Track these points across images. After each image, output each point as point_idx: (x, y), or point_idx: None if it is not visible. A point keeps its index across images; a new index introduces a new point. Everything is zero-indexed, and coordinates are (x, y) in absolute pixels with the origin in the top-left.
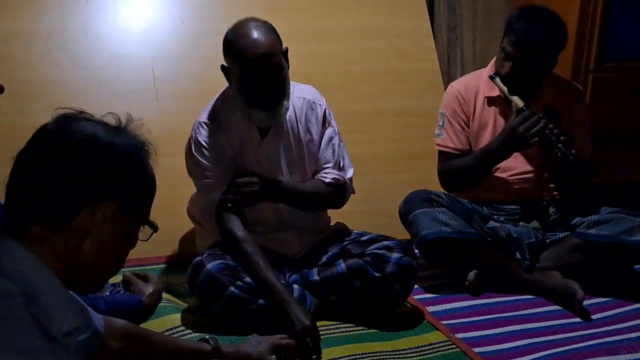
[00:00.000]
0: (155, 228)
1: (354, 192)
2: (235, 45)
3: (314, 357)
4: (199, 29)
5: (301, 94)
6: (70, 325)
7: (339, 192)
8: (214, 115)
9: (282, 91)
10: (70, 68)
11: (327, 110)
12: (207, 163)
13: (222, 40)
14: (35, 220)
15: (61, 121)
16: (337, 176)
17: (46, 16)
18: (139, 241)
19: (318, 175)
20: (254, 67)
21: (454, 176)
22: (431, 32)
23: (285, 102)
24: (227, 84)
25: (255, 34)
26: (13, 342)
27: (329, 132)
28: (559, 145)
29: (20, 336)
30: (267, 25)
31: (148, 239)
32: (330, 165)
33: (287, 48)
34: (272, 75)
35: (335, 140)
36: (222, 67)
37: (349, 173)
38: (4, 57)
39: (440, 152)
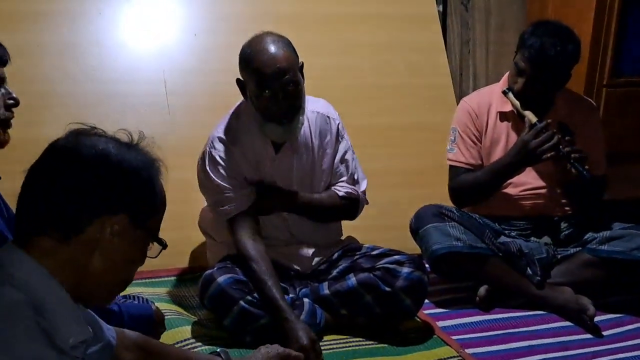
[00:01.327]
0: (164, 245)
1: (367, 203)
2: (252, 60)
3: None
4: (212, 42)
5: (315, 107)
6: (76, 338)
7: (352, 205)
8: (228, 130)
9: (298, 106)
10: (82, 80)
11: (340, 124)
12: (220, 178)
13: (235, 53)
14: (44, 232)
15: (73, 136)
16: (350, 190)
17: (58, 28)
18: (148, 256)
19: (332, 188)
20: (270, 83)
21: (464, 191)
22: (444, 47)
23: (300, 117)
24: (241, 98)
25: (273, 49)
26: (20, 351)
27: (342, 146)
28: (573, 161)
29: (28, 345)
30: (284, 40)
31: (157, 256)
32: (344, 179)
33: (302, 63)
34: (288, 90)
35: (349, 155)
36: (238, 80)
37: (363, 185)
38: (17, 69)
39: (451, 166)
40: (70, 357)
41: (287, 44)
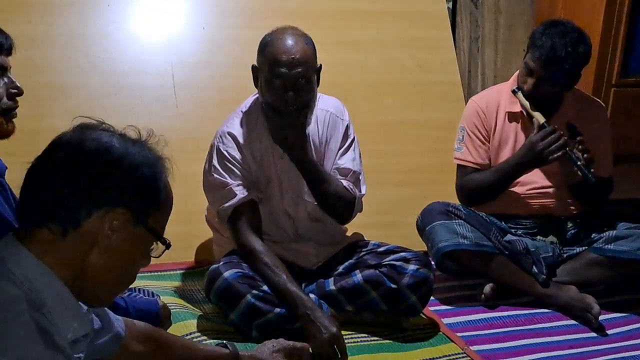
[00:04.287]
0: (167, 245)
1: (361, 210)
2: (270, 45)
3: None
4: (220, 37)
5: (325, 106)
6: (76, 333)
7: (349, 203)
8: (238, 126)
9: (305, 104)
10: (90, 72)
11: (349, 125)
12: (226, 173)
13: (243, 48)
14: (43, 224)
15: (78, 130)
16: (350, 187)
17: (67, 20)
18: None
19: None
20: (282, 70)
21: (472, 190)
22: (453, 44)
23: (309, 116)
24: (249, 94)
25: (293, 41)
26: (13, 348)
27: (347, 145)
28: (579, 163)
29: (21, 342)
30: (307, 37)
31: (159, 255)
32: (345, 177)
33: (321, 65)
34: (298, 84)
35: (353, 155)
36: (253, 67)
37: (362, 190)
38: (25, 61)
39: (459, 166)
40: (65, 355)
41: (309, 41)
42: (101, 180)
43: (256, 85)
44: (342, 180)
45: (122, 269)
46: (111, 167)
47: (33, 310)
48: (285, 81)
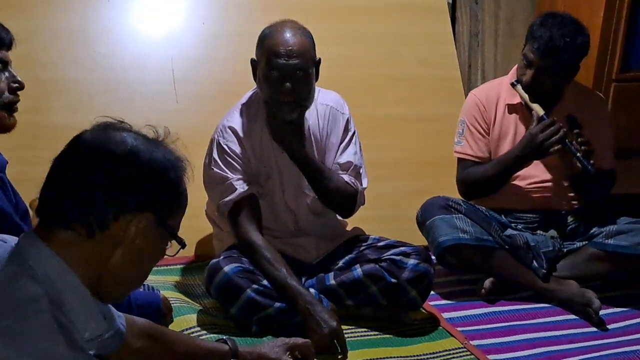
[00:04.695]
0: (183, 245)
1: (363, 203)
2: (268, 38)
3: (339, 357)
4: (220, 31)
5: (325, 100)
6: (93, 333)
7: (351, 197)
8: (238, 120)
9: (303, 97)
10: (90, 67)
11: (349, 119)
12: (227, 167)
13: (242, 42)
14: (68, 225)
15: (101, 130)
16: (351, 181)
17: (67, 15)
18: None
19: None
20: (279, 62)
21: (472, 184)
22: (453, 39)
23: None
24: (249, 88)
25: (291, 33)
26: (36, 347)
27: (348, 139)
28: (578, 155)
29: (44, 341)
30: (305, 30)
31: (175, 254)
32: (346, 171)
33: (319, 59)
34: (296, 76)
35: (354, 149)
36: (252, 60)
37: (364, 183)
38: (25, 56)
39: (459, 159)
40: (84, 354)
41: (307, 34)
42: (131, 186)
43: (255, 79)
44: (343, 175)
45: (140, 267)
46: (141, 172)
47: (54, 308)
48: (282, 72)
